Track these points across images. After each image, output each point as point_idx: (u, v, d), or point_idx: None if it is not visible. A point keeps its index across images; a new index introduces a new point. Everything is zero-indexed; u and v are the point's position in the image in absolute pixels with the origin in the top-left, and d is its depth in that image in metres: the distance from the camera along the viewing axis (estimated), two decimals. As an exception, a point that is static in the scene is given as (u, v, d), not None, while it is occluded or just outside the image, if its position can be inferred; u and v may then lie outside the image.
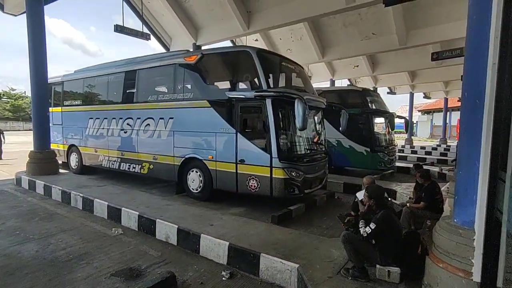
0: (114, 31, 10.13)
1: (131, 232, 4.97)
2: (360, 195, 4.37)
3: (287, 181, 5.56)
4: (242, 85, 6.23)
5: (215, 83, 6.75)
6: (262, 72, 5.64)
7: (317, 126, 7.10)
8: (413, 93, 26.06)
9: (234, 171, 5.99)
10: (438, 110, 36.16)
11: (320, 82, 19.77)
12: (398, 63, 17.15)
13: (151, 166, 7.44)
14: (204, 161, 6.41)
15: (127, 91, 8.02)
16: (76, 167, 9.48)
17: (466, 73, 2.79)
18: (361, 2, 8.79)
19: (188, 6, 12.07)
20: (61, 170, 9.28)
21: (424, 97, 30.00)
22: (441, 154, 17.29)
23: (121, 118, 8.01)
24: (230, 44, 13.91)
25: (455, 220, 2.68)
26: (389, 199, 4.64)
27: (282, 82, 6.44)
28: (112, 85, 8.45)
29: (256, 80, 5.81)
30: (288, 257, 3.49)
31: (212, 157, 6.28)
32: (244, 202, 6.51)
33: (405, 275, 3.02)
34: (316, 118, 7.05)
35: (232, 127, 5.99)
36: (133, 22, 19.32)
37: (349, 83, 21.16)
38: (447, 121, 30.31)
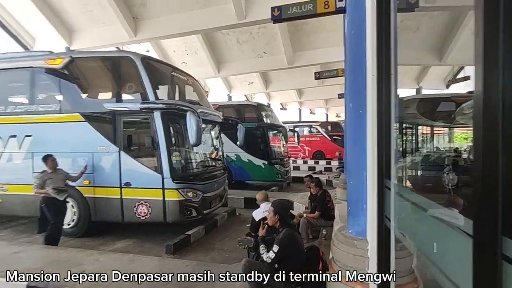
0: None
1: None
2: (257, 214, 4.13)
3: (183, 203, 5.00)
4: (125, 96, 5.40)
5: (91, 94, 5.69)
6: (149, 82, 4.99)
7: (214, 141, 6.76)
8: (301, 109, 29.20)
9: (119, 197, 5.10)
10: (322, 124, 41.80)
11: (218, 97, 19.91)
12: (288, 81, 18.91)
13: (-2, 200, 5.62)
14: (78, 187, 5.22)
15: None
16: None
17: (348, 86, 2.91)
18: (252, 20, 9.15)
19: (55, 1, 10.14)
20: None
21: (310, 113, 34.04)
22: (327, 163, 19.52)
23: None
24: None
25: (350, 231, 2.66)
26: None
27: (174, 95, 5.88)
28: None
29: (142, 90, 5.10)
30: (181, 299, 2.91)
31: (89, 182, 5.21)
32: (134, 232, 5.55)
33: (308, 296, 2.84)
34: (212, 132, 6.71)
35: (114, 144, 5.12)
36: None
37: (245, 99, 22.01)
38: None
